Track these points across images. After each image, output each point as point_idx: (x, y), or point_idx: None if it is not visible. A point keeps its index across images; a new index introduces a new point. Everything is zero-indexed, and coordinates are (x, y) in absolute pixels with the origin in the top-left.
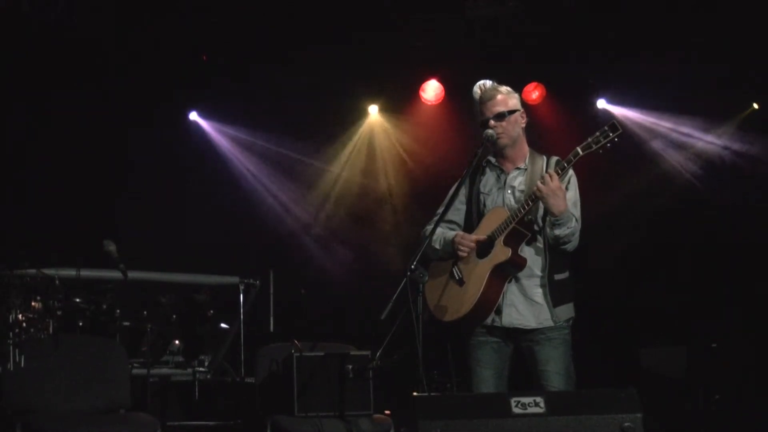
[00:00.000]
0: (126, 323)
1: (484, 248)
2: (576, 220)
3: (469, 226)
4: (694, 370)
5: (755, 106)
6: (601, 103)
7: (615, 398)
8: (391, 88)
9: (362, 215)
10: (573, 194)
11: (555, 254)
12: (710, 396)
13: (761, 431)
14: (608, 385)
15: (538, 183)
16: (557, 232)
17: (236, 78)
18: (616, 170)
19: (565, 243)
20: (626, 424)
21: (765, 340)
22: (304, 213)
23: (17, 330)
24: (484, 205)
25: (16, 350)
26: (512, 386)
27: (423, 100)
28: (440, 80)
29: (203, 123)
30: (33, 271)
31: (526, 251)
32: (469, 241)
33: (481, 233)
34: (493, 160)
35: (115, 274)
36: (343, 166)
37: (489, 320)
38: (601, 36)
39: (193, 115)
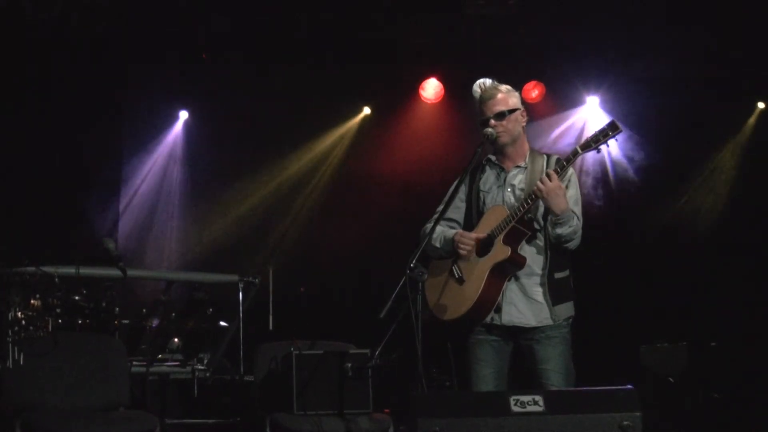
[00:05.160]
0: (125, 321)
1: (483, 247)
2: (577, 218)
3: (469, 224)
4: (693, 369)
5: (760, 105)
6: (593, 101)
7: (614, 397)
8: (390, 87)
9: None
10: (574, 192)
11: (556, 252)
12: (709, 395)
13: (760, 430)
14: (607, 383)
15: (538, 183)
16: (559, 231)
17: (230, 78)
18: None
19: (567, 241)
20: (625, 422)
21: (765, 340)
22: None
23: (16, 328)
24: (484, 203)
25: (16, 348)
26: (511, 385)
27: (422, 98)
28: (440, 79)
29: (198, 121)
30: (32, 268)
31: (526, 250)
32: (469, 239)
33: (480, 231)
34: (493, 158)
35: (115, 272)
36: (336, 163)
37: (488, 318)
38: (600, 35)
39: (184, 114)
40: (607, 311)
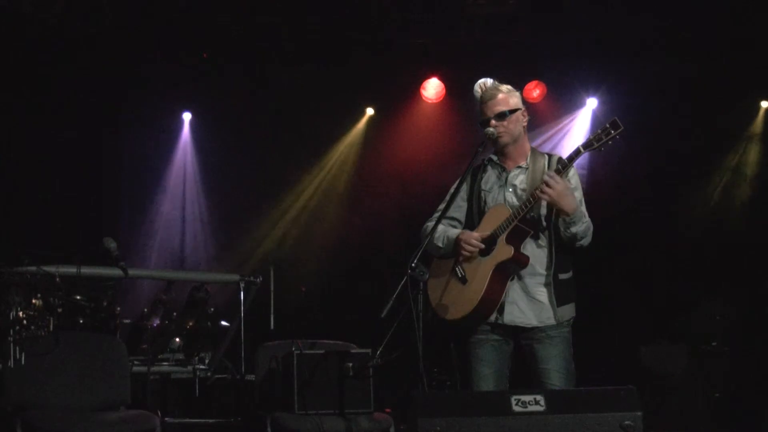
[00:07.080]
0: (126, 320)
1: (486, 246)
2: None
3: (470, 223)
4: (693, 369)
5: (764, 104)
6: (592, 102)
7: (615, 396)
8: (391, 87)
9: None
10: (579, 192)
11: (561, 253)
12: (709, 395)
13: (760, 430)
14: (608, 383)
15: (546, 188)
16: (573, 229)
17: (232, 78)
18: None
19: (581, 239)
20: (626, 422)
21: (765, 340)
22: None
23: (18, 327)
24: (485, 202)
25: (17, 347)
26: (512, 385)
27: (423, 98)
28: (441, 78)
29: (198, 122)
30: (33, 268)
31: (529, 249)
32: (473, 239)
33: (482, 231)
34: (494, 157)
35: (116, 272)
36: (340, 166)
37: (491, 318)
38: (600, 35)
39: (187, 116)
40: (607, 311)
